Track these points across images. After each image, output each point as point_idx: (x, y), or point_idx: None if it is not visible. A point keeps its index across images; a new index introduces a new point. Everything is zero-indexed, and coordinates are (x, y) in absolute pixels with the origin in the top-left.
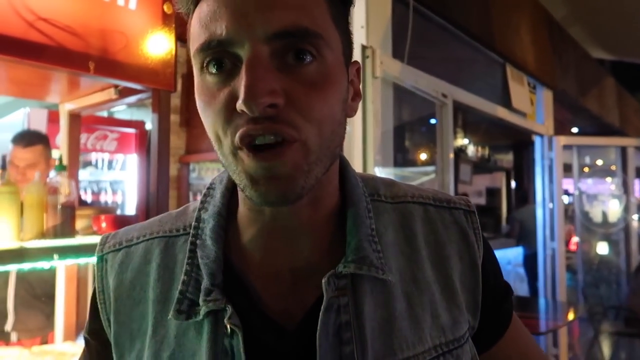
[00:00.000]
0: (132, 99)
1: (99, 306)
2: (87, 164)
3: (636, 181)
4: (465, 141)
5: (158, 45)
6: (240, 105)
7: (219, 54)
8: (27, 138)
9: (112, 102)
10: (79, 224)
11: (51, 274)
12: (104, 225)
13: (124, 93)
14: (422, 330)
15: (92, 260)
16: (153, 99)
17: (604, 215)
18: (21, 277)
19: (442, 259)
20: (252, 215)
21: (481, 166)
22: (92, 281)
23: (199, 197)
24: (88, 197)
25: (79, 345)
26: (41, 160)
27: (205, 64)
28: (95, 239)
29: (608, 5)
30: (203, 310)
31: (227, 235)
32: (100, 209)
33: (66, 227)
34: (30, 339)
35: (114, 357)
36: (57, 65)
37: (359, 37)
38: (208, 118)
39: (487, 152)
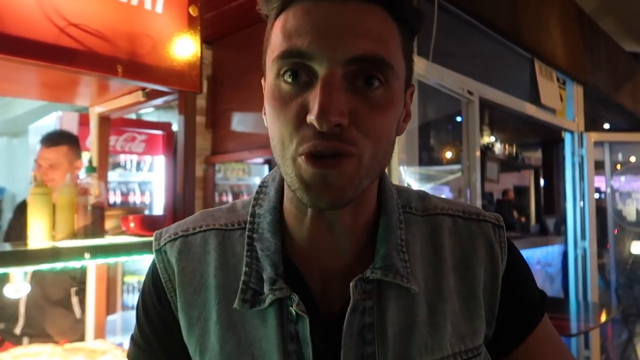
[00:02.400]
0: (159, 101)
1: (168, 296)
2: (116, 165)
3: None
4: (492, 139)
5: (184, 47)
6: (312, 119)
7: (297, 66)
8: (53, 138)
9: (140, 105)
10: (108, 224)
11: (64, 278)
12: (132, 225)
13: (151, 95)
14: (442, 337)
15: (121, 259)
16: (179, 100)
17: (638, 213)
18: (35, 281)
19: (467, 269)
20: (298, 214)
21: (509, 164)
22: (143, 277)
23: (225, 198)
24: (117, 198)
25: (110, 343)
26: (64, 161)
27: (282, 72)
28: (124, 239)
29: None
30: (269, 298)
31: (282, 229)
32: (129, 209)
33: (96, 227)
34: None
35: (188, 340)
36: (87, 70)
37: None
38: (277, 122)
39: (514, 149)
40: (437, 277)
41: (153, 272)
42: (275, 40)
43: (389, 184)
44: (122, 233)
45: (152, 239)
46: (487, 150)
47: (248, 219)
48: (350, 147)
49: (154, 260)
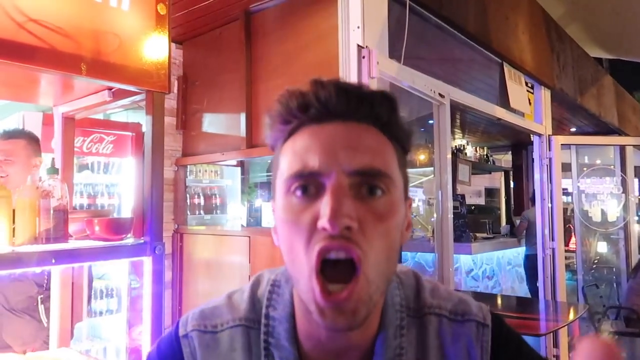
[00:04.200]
0: (126, 101)
1: None
2: (83, 167)
3: (635, 180)
4: (464, 142)
5: (152, 46)
6: (324, 223)
7: (307, 182)
8: (11, 132)
9: (106, 105)
10: (72, 227)
11: (28, 285)
12: (97, 229)
13: (117, 95)
14: None
15: (86, 264)
16: (147, 100)
17: (603, 214)
18: None
19: None
20: (310, 328)
21: (480, 166)
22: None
23: (197, 200)
24: (84, 201)
25: (74, 351)
26: (21, 155)
27: (293, 189)
28: (89, 243)
29: (606, 3)
30: None
31: (297, 338)
32: (94, 212)
33: (59, 231)
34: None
35: None
36: (48, 67)
37: (355, 37)
38: (289, 233)
39: (485, 152)
40: None
41: (173, 355)
42: (285, 162)
43: (392, 288)
44: (87, 237)
45: (118, 243)
46: (458, 152)
47: (262, 320)
48: (358, 250)
49: (172, 343)
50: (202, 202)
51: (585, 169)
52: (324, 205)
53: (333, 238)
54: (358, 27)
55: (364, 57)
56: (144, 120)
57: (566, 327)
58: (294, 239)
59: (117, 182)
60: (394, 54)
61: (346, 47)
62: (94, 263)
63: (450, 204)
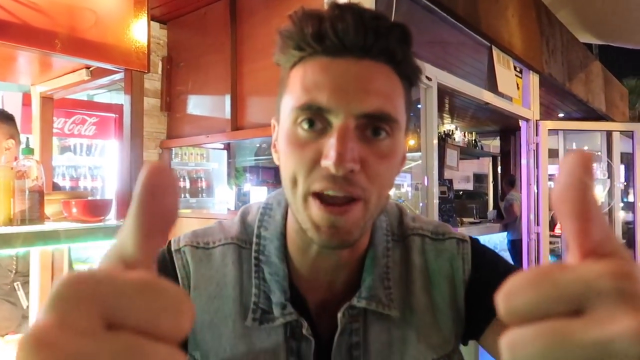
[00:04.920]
0: (104, 80)
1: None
2: (66, 149)
3: (622, 166)
4: (452, 126)
5: (130, 24)
6: (328, 164)
7: (314, 116)
8: None
9: (85, 84)
10: (51, 209)
11: (4, 269)
12: (74, 210)
13: (96, 74)
14: (416, 350)
15: (64, 246)
16: (125, 79)
17: None
18: None
19: (434, 286)
20: (303, 247)
21: (468, 152)
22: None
23: (182, 183)
24: (66, 183)
25: None
26: None
27: (299, 121)
28: (66, 225)
29: None
30: (279, 321)
31: (287, 256)
32: (72, 194)
33: (35, 213)
34: None
35: (199, 346)
36: (20, 44)
37: None
38: (291, 162)
39: (474, 137)
40: (409, 297)
41: (165, 268)
42: (294, 91)
43: (378, 220)
44: (65, 219)
45: (97, 225)
46: (447, 137)
47: (254, 240)
48: (358, 190)
49: (165, 257)
50: (188, 186)
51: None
52: (330, 147)
53: (335, 179)
54: None
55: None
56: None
57: None
58: (296, 168)
59: (101, 164)
60: None
61: None
62: (73, 245)
63: (436, 188)
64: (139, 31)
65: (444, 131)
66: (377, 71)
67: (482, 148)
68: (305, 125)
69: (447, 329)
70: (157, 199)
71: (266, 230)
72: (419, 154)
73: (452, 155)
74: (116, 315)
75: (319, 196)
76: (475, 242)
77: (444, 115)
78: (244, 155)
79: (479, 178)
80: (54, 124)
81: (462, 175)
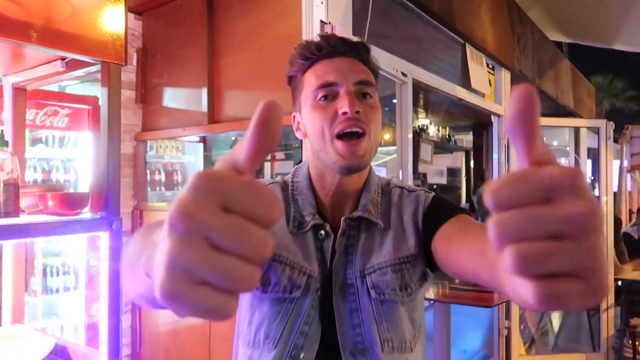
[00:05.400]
0: (80, 72)
1: None
2: (37, 141)
3: (589, 161)
4: (427, 121)
5: (107, 15)
6: (345, 109)
7: (328, 91)
8: None
9: (60, 76)
10: (26, 202)
11: None
12: (50, 203)
13: (71, 66)
14: (390, 250)
15: (38, 239)
16: (102, 72)
17: None
18: None
19: (404, 215)
20: (322, 182)
21: (442, 146)
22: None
23: (157, 176)
24: (38, 176)
25: (29, 328)
26: None
27: (319, 97)
28: (42, 218)
29: None
30: (310, 224)
31: (312, 189)
32: (47, 187)
33: (9, 205)
34: None
35: None
36: None
37: (318, 13)
38: (317, 120)
39: (447, 132)
40: (389, 220)
41: None
42: (311, 83)
43: (373, 172)
44: (41, 212)
45: (73, 218)
46: (421, 132)
47: (290, 184)
48: (364, 125)
49: None
50: (163, 179)
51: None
52: (343, 101)
53: (349, 120)
54: (322, 3)
55: (326, 33)
56: (101, 93)
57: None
58: (323, 123)
59: (74, 157)
60: (358, 31)
61: (309, 22)
62: (48, 238)
63: (410, 182)
64: (116, 23)
65: (419, 126)
66: (357, 62)
67: (455, 143)
68: (323, 99)
69: (412, 240)
70: (267, 127)
71: (297, 177)
72: (394, 147)
73: (426, 150)
74: (230, 203)
75: (340, 137)
76: (437, 195)
77: (419, 110)
78: (219, 148)
79: (453, 172)
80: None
81: (436, 169)
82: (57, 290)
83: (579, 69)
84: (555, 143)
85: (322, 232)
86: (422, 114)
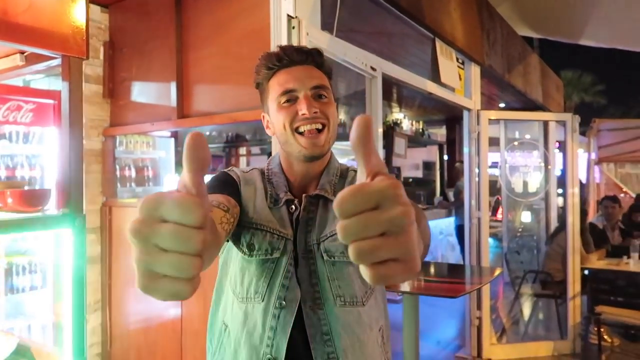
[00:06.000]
0: (40, 66)
1: (237, 182)
2: (1, 137)
3: (560, 154)
4: (401, 115)
5: (67, 8)
6: (304, 110)
7: (290, 96)
8: None
9: (19, 70)
10: None
11: None
12: (10, 200)
13: (31, 59)
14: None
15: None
16: (63, 66)
17: (525, 185)
18: None
19: None
20: (291, 168)
21: (416, 140)
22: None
23: (128, 172)
24: (1, 172)
25: None
26: None
27: (282, 101)
28: (2, 215)
29: None
30: (283, 199)
31: (284, 174)
32: (7, 184)
33: None
34: None
35: (243, 203)
36: None
37: (286, 7)
38: (281, 118)
39: (421, 126)
40: None
41: (227, 176)
42: (275, 89)
43: (334, 159)
44: (0, 209)
45: (35, 214)
46: (395, 126)
47: (265, 170)
48: (324, 120)
49: (225, 173)
50: (134, 174)
51: (516, 143)
52: (302, 104)
53: (308, 119)
54: None
55: (293, 28)
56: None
57: (489, 291)
58: (286, 121)
59: (40, 153)
60: (326, 26)
61: (277, 17)
62: (13, 236)
63: None
64: (77, 16)
65: (393, 120)
66: (312, 69)
67: (429, 136)
68: (286, 102)
69: None
70: (197, 153)
71: (271, 165)
72: None
73: (400, 144)
74: (165, 216)
75: (301, 133)
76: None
77: (393, 104)
78: None
79: (428, 165)
80: None
81: (412, 163)
82: (24, 290)
83: (549, 64)
84: (527, 136)
85: (293, 206)
86: (396, 109)
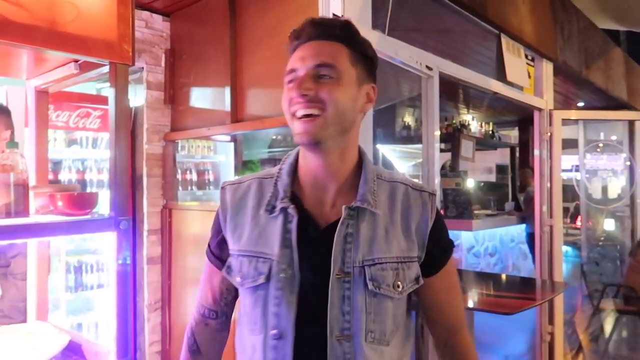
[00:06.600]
0: (92, 73)
1: (220, 216)
2: (73, 142)
3: None
4: (469, 117)
5: (112, 16)
6: (292, 94)
7: (293, 76)
8: None
9: (75, 77)
10: (39, 202)
11: None
12: (60, 204)
13: (84, 67)
14: (390, 247)
15: (51, 239)
16: (110, 72)
17: (604, 190)
18: None
19: (408, 214)
20: (305, 165)
21: (485, 142)
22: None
23: (189, 175)
24: (73, 176)
25: (49, 324)
26: None
27: (287, 80)
28: (51, 218)
29: None
30: (279, 207)
31: (295, 175)
32: (58, 187)
33: (19, 206)
34: None
35: (230, 237)
36: (2, 38)
37: (334, 6)
38: (284, 102)
39: (491, 127)
40: (391, 215)
41: (217, 213)
42: (289, 64)
43: (368, 159)
44: (51, 212)
45: (83, 217)
46: (462, 128)
47: (277, 171)
48: (319, 105)
49: (221, 190)
50: (195, 178)
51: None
52: (295, 85)
53: (300, 103)
54: None
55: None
56: (136, 95)
57: (562, 305)
58: (286, 104)
59: (106, 157)
60: (379, 25)
61: (327, 16)
62: (55, 238)
63: (438, 179)
64: (122, 23)
65: (460, 122)
66: (325, 44)
67: (499, 139)
68: (290, 83)
69: (414, 244)
70: None
71: (284, 164)
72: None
73: (467, 146)
74: None
75: (295, 116)
76: (439, 211)
77: (460, 105)
78: (258, 147)
79: (502, 169)
80: (59, 118)
81: (485, 166)
82: (92, 287)
83: (639, 59)
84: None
85: (290, 215)
86: (463, 110)
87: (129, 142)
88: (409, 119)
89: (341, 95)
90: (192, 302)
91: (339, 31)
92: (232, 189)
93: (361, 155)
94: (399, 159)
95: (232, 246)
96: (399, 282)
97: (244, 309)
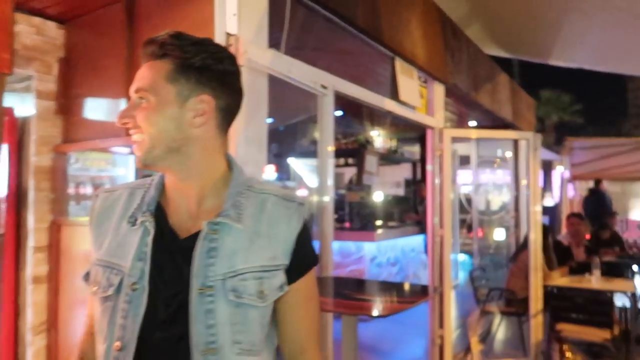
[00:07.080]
0: None
1: (90, 223)
2: None
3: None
4: (375, 133)
5: None
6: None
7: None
8: None
9: None
10: None
11: None
12: None
13: None
14: (254, 257)
15: None
16: None
17: (488, 203)
18: None
19: (276, 224)
20: (167, 179)
21: (389, 158)
22: None
23: (83, 189)
24: None
25: None
26: None
27: None
28: None
29: (507, 6)
30: (140, 220)
31: (163, 187)
32: None
33: None
34: None
35: (93, 245)
36: None
37: (230, 25)
38: None
39: (395, 143)
40: (257, 225)
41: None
42: None
43: (238, 169)
44: None
45: None
46: (367, 144)
47: (148, 182)
48: (138, 131)
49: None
50: (90, 192)
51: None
52: None
53: (129, 129)
54: (234, 15)
55: (230, 45)
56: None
57: (449, 308)
58: None
59: None
60: (274, 43)
61: (220, 35)
62: None
63: (331, 193)
64: (2, 32)
65: (365, 138)
66: (151, 65)
67: (403, 154)
68: None
69: (279, 251)
70: None
71: (156, 175)
72: (342, 159)
73: (371, 161)
74: None
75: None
76: (306, 224)
77: (365, 122)
78: None
79: (409, 183)
80: None
81: (394, 180)
82: None
83: (529, 84)
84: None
85: (147, 228)
86: (370, 127)
87: (14, 154)
88: (317, 135)
89: (155, 117)
90: (82, 323)
91: (160, 48)
92: (104, 197)
93: (231, 166)
94: (311, 172)
95: (94, 254)
96: (263, 290)
97: (96, 317)
